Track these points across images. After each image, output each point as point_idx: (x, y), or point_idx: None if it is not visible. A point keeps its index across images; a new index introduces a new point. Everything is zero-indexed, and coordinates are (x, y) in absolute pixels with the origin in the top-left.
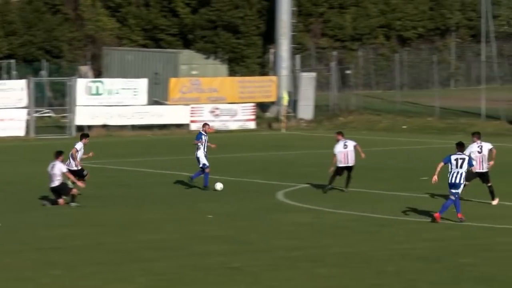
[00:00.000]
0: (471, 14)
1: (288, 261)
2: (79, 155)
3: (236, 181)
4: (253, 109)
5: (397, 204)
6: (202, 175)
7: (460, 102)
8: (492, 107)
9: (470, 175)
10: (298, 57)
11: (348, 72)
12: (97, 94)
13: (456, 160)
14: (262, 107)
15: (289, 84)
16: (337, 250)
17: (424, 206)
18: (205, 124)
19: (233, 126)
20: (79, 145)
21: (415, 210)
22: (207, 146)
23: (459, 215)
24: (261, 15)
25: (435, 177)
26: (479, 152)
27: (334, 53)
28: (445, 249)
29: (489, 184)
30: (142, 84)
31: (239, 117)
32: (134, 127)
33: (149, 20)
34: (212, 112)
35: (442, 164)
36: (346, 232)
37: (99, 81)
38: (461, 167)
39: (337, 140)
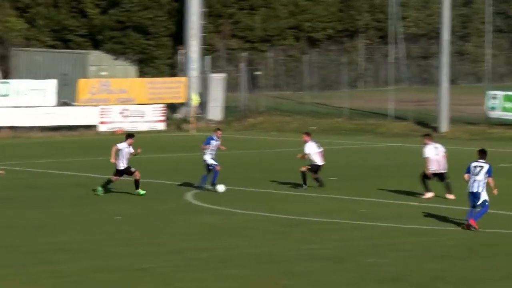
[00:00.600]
0: (379, 15)
1: (197, 262)
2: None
3: (145, 183)
4: (162, 110)
5: (304, 205)
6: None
7: (369, 103)
8: (400, 108)
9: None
10: (208, 58)
11: (257, 73)
12: (5, 95)
13: (475, 167)
14: (171, 108)
15: (199, 85)
16: (245, 250)
17: (330, 206)
18: (217, 130)
19: (142, 127)
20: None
21: (321, 211)
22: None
23: (472, 222)
24: (171, 16)
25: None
26: (436, 154)
27: (244, 54)
28: (351, 249)
29: (448, 181)
30: (50, 85)
31: (148, 118)
32: (42, 128)
33: (58, 21)
34: (121, 113)
35: (466, 175)
36: (254, 232)
37: (6, 82)
38: (477, 174)
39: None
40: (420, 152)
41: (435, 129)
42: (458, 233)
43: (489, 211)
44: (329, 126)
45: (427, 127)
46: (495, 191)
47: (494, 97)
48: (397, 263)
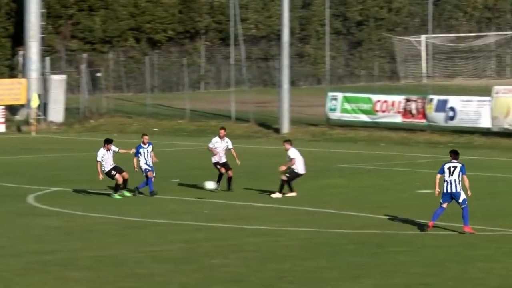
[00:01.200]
0: (220, 17)
1: (39, 265)
2: None
3: None
4: (2, 112)
5: (148, 206)
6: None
7: (210, 104)
8: (242, 110)
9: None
10: (48, 59)
11: (98, 74)
12: None
13: (449, 168)
14: (11, 110)
15: (39, 86)
16: (88, 253)
17: (174, 208)
18: (143, 135)
19: None
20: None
21: (165, 212)
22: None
23: (466, 228)
24: (10, 17)
25: (437, 189)
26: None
27: (84, 55)
28: (195, 251)
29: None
30: None
31: None
32: None
33: None
34: None
35: (438, 175)
36: (97, 235)
37: None
38: (452, 175)
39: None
40: (261, 154)
41: (276, 130)
42: (302, 233)
43: (326, 210)
44: (171, 128)
45: (269, 129)
46: (469, 193)
47: (334, 99)
48: (241, 264)
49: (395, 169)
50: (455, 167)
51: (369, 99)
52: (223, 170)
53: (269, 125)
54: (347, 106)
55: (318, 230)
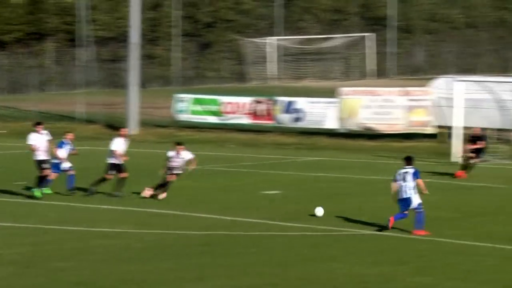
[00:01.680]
0: (68, 18)
1: None
2: None
3: None
4: None
5: None
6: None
7: (58, 106)
8: (90, 111)
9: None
10: None
11: None
12: None
13: (400, 174)
14: None
15: None
16: None
17: (19, 211)
18: (67, 132)
19: None
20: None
21: (10, 215)
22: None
23: (417, 232)
24: None
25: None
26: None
27: None
28: (39, 254)
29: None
30: None
31: None
32: None
33: None
34: None
35: (394, 183)
36: None
37: None
38: (406, 180)
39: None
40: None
41: None
42: (149, 235)
43: (174, 212)
44: (19, 130)
45: (117, 130)
46: (426, 191)
47: (182, 100)
48: (86, 267)
49: (243, 170)
50: (407, 172)
51: (217, 100)
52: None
53: (117, 126)
54: (195, 107)
55: (165, 232)
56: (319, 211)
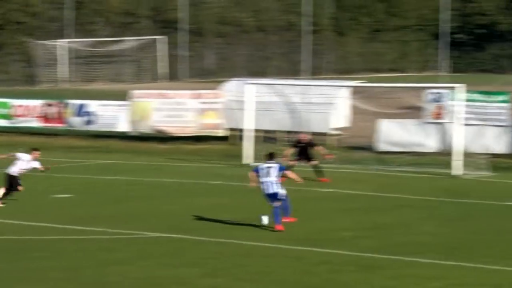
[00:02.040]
0: None
1: None
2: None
3: None
4: None
5: None
6: None
7: None
8: None
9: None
10: None
11: None
12: None
13: (263, 169)
14: None
15: None
16: None
17: None
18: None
19: None
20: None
21: None
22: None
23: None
24: None
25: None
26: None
27: None
28: None
29: None
30: None
31: None
32: None
33: None
34: None
35: (252, 173)
36: None
37: None
38: (269, 175)
39: None
40: None
41: None
42: None
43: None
44: None
45: None
46: (299, 180)
47: None
48: None
49: (34, 174)
50: (270, 167)
51: (8, 103)
52: None
53: None
54: None
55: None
56: (265, 220)
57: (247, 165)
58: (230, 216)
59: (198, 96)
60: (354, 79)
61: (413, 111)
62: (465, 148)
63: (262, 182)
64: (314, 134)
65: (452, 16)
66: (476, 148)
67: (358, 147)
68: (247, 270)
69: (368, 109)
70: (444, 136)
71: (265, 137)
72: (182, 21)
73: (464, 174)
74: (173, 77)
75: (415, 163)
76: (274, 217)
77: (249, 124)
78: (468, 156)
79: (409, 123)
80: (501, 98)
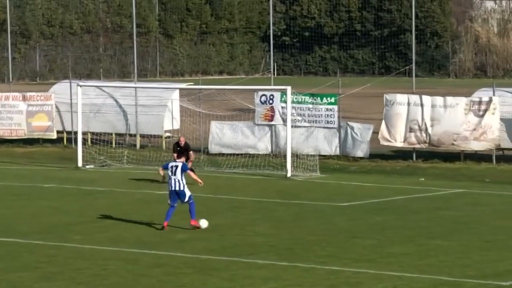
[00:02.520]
0: None
1: None
2: None
3: None
4: None
5: None
6: None
7: None
8: None
9: None
10: None
11: None
12: None
13: (172, 167)
14: None
15: None
16: None
17: None
18: None
19: None
20: None
21: None
22: None
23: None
24: None
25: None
26: None
27: None
28: None
29: None
30: None
31: None
32: None
33: None
34: None
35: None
36: None
37: None
38: (175, 174)
39: None
40: None
41: None
42: None
43: None
44: None
45: None
46: (200, 182)
47: None
48: None
49: None
50: (176, 167)
51: None
52: None
53: None
54: None
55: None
56: (204, 223)
57: (81, 168)
58: (64, 219)
59: (27, 99)
60: (184, 82)
61: (244, 113)
62: (295, 149)
63: (169, 179)
64: (149, 136)
65: (278, 19)
66: (306, 149)
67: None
68: (84, 274)
69: (199, 111)
70: (275, 138)
71: (98, 140)
72: (7, 22)
73: (294, 175)
74: (1, 79)
75: (248, 165)
76: (191, 213)
77: (80, 126)
78: (299, 157)
79: (241, 125)
80: (329, 100)
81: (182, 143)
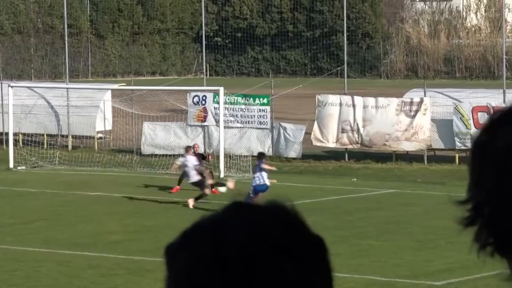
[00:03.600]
0: None
1: None
2: None
3: None
4: None
5: None
6: None
7: None
8: None
9: None
10: None
11: None
12: None
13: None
14: None
15: None
16: None
17: None
18: None
19: None
20: None
21: None
22: None
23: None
24: None
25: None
26: None
27: None
28: None
29: None
30: None
31: None
32: None
33: None
34: None
35: None
36: None
37: None
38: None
39: None
40: None
41: None
42: None
43: None
44: None
45: None
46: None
47: None
48: None
49: None
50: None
51: None
52: None
53: None
54: None
55: None
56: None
57: (13, 169)
58: None
59: None
60: (116, 82)
61: (177, 114)
62: (228, 150)
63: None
64: (81, 137)
65: (211, 20)
66: (239, 150)
67: (123, 150)
68: (16, 275)
69: (132, 112)
70: (208, 139)
71: (30, 141)
72: None
73: (227, 176)
74: None
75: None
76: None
77: (11, 127)
78: (231, 158)
79: (173, 125)
80: (262, 101)
81: (197, 150)
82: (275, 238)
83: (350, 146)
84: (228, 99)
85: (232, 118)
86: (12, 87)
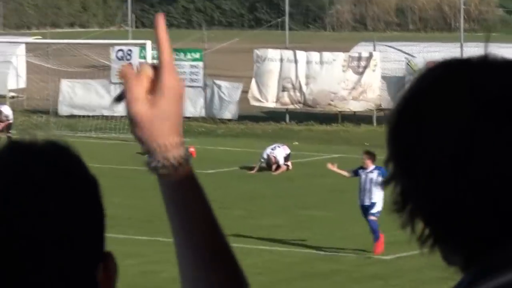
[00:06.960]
0: None
1: None
2: None
3: None
4: None
5: None
6: None
7: None
8: None
9: None
10: None
11: None
12: None
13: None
14: None
15: None
16: None
17: None
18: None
19: None
20: None
21: None
22: None
23: None
24: None
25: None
26: None
27: None
28: None
29: None
30: None
31: None
32: None
33: None
34: None
35: None
36: None
37: None
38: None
39: None
40: None
41: None
42: None
43: None
44: None
45: None
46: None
47: None
48: None
49: None
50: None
51: None
52: None
53: None
54: None
55: None
56: None
57: None
58: None
59: None
60: (31, 35)
61: (98, 70)
62: None
63: None
64: None
65: None
66: None
67: (38, 110)
68: None
69: (48, 67)
70: None
71: None
72: None
73: None
74: None
75: (102, 128)
76: None
77: None
78: None
79: (95, 83)
80: (193, 56)
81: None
82: (37, 178)
83: (291, 106)
84: (156, 54)
85: None
86: None
